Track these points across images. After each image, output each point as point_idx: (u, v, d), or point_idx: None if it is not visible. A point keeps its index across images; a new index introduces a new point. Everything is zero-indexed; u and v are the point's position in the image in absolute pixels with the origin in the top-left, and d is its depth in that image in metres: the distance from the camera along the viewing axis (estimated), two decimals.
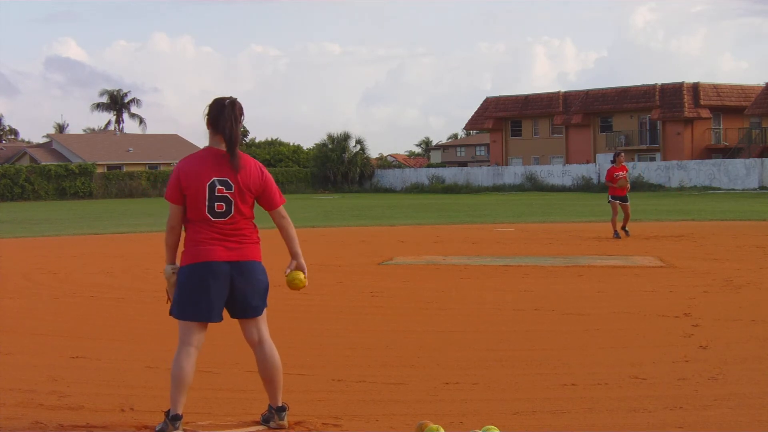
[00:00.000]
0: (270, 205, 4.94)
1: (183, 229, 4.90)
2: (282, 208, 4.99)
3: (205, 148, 4.88)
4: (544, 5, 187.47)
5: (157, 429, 4.80)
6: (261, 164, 4.97)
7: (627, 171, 17.97)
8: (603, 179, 18.54)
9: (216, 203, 4.75)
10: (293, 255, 5.01)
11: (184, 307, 4.78)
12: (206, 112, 4.85)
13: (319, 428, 4.94)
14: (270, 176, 4.97)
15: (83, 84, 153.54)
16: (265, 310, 4.97)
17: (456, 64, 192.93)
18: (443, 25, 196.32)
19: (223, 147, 4.81)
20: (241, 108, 4.85)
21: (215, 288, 4.74)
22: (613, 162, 18.01)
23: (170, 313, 4.87)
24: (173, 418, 4.74)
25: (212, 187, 4.75)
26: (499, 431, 4.49)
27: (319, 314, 8.91)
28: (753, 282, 10.64)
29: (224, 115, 4.78)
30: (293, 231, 5.00)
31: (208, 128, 4.85)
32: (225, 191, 4.77)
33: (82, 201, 54.90)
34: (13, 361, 6.83)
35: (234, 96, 4.89)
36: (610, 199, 17.79)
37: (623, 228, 17.66)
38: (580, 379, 5.94)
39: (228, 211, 4.77)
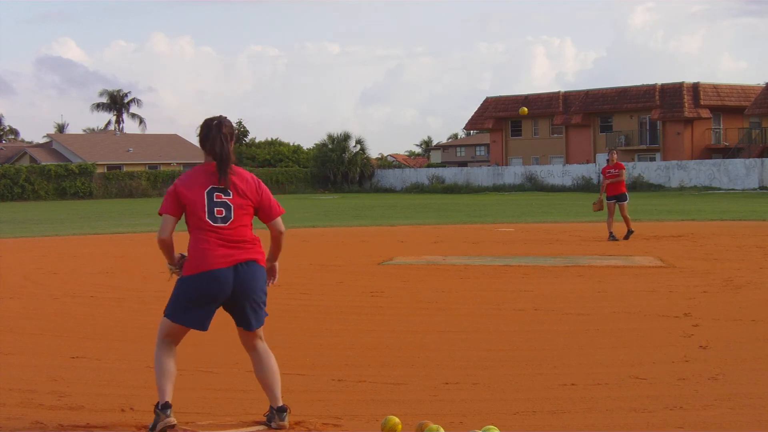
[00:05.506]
0: (268, 216, 5.04)
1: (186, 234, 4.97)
2: (280, 220, 5.08)
3: (201, 165, 4.99)
4: (543, 5, 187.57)
5: (150, 426, 4.87)
6: (258, 178, 5.08)
7: (622, 168, 17.20)
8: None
9: (216, 208, 4.86)
10: (271, 257, 5.15)
11: (179, 312, 4.90)
12: (197, 133, 5.01)
13: (319, 428, 4.94)
14: (267, 189, 5.08)
15: (79, 84, 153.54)
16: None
17: (455, 65, 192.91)
18: (442, 25, 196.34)
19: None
20: (230, 126, 4.98)
21: (214, 300, 4.88)
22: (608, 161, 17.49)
23: (165, 315, 4.95)
24: (163, 407, 4.84)
25: (210, 193, 4.87)
26: (499, 431, 4.50)
27: (319, 314, 8.91)
28: (753, 282, 10.64)
29: (211, 136, 4.92)
30: (281, 244, 5.15)
31: (202, 148, 5.00)
32: (224, 197, 4.88)
33: (82, 201, 54.90)
34: (13, 361, 6.84)
35: (223, 115, 5.03)
36: (605, 199, 17.31)
37: (626, 235, 16.91)
38: (580, 379, 5.94)
39: (228, 216, 4.87)
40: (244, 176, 4.98)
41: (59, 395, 5.71)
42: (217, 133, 4.91)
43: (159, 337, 4.97)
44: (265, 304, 5.05)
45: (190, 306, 4.86)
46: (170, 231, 4.91)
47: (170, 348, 4.96)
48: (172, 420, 4.81)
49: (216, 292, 4.83)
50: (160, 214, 4.93)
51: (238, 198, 4.90)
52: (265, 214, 5.02)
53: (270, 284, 5.18)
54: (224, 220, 4.86)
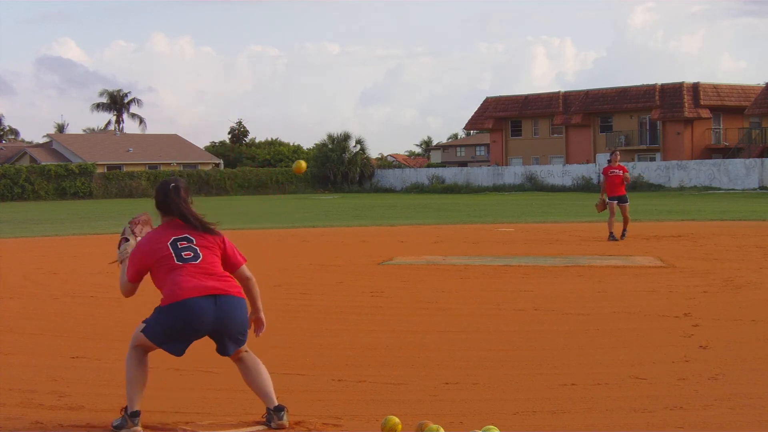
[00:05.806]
0: (233, 265, 5.09)
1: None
2: (246, 268, 5.14)
3: (159, 226, 5.10)
4: (543, 5, 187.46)
5: (114, 425, 4.90)
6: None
7: (625, 171, 17.43)
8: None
9: (183, 252, 4.94)
10: (255, 310, 5.17)
11: (158, 337, 4.90)
12: (153, 195, 5.14)
13: (319, 428, 4.94)
14: (228, 239, 5.15)
15: (79, 84, 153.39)
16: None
17: (455, 65, 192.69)
18: (442, 25, 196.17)
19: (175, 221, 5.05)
20: (186, 187, 5.10)
21: (193, 332, 4.88)
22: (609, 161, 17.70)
23: (143, 331, 4.93)
24: (132, 415, 4.86)
25: (174, 243, 4.96)
26: (499, 431, 4.49)
27: (319, 314, 8.91)
28: (753, 282, 10.64)
29: (171, 201, 5.03)
30: (257, 290, 5.19)
31: (157, 210, 5.11)
32: (187, 243, 4.97)
33: (82, 201, 54.90)
34: (13, 361, 6.84)
35: (178, 177, 5.23)
36: (607, 199, 17.39)
37: (622, 235, 17.03)
38: (580, 379, 5.94)
39: (197, 256, 4.94)
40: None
41: (59, 395, 5.71)
42: (176, 197, 5.02)
43: (131, 344, 4.97)
44: (247, 333, 5.05)
45: (167, 337, 4.88)
46: (131, 293, 5.11)
47: (142, 356, 4.97)
48: (139, 429, 4.85)
49: (194, 322, 4.81)
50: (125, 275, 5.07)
51: (201, 241, 4.98)
52: (229, 263, 5.06)
53: (256, 335, 5.20)
54: (194, 259, 4.92)
